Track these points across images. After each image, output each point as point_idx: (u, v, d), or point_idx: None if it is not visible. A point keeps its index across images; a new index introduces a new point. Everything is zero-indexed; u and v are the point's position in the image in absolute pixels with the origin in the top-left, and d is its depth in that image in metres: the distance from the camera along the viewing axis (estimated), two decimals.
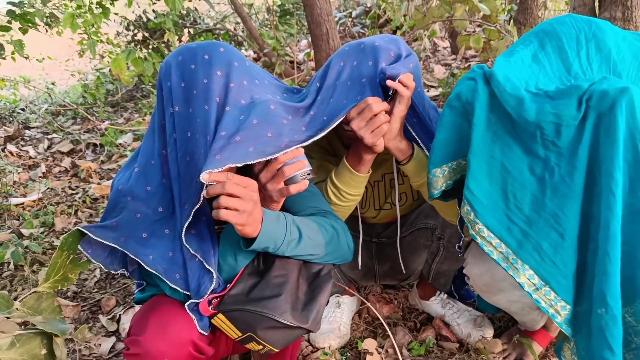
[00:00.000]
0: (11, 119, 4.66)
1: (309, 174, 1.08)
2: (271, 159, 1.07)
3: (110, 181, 3.12)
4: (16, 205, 2.97)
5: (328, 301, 1.59)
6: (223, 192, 0.99)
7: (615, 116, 0.92)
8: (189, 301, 1.11)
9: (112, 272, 1.23)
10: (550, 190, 1.01)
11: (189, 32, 5.01)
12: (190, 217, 1.07)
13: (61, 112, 4.80)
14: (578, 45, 1.06)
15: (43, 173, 3.52)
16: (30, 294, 1.20)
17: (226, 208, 0.99)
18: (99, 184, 3.24)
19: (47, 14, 3.84)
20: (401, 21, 4.14)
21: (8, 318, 1.14)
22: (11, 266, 2.33)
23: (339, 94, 1.24)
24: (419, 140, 1.31)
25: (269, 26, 5.31)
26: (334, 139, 1.53)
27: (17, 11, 3.35)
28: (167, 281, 1.12)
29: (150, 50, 4.39)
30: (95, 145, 3.95)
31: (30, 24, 3.39)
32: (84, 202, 2.98)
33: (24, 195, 3.14)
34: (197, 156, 1.08)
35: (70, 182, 3.34)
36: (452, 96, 1.11)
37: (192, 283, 1.11)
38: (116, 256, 1.21)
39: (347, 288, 1.72)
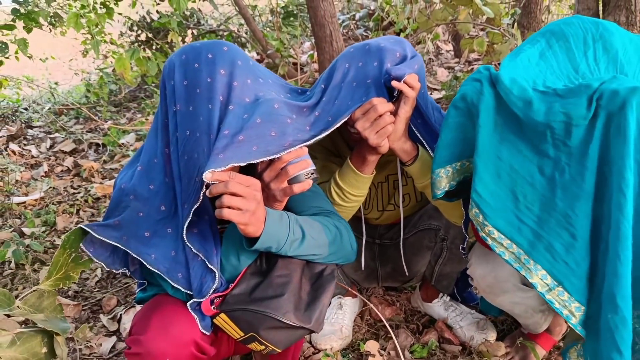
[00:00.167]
0: (14, 118, 4.66)
1: (312, 174, 1.08)
2: (275, 158, 1.06)
3: (113, 181, 3.12)
4: (18, 204, 2.97)
5: (330, 302, 1.58)
6: (226, 191, 0.98)
7: (625, 116, 0.91)
8: (191, 301, 1.10)
9: (114, 271, 1.23)
10: (561, 190, 1.01)
11: (192, 33, 5.01)
12: (190, 216, 1.06)
13: (64, 112, 4.81)
14: (585, 46, 1.06)
15: (45, 172, 3.52)
16: (31, 292, 1.20)
17: (229, 207, 0.98)
18: (101, 183, 3.24)
19: (51, 14, 3.85)
20: (404, 24, 4.13)
21: (9, 316, 1.13)
22: (12, 265, 2.33)
23: (344, 95, 1.23)
24: (423, 141, 1.31)
25: (272, 28, 5.31)
26: (338, 139, 1.52)
27: (22, 10, 3.35)
28: (169, 281, 1.11)
29: (154, 50, 4.40)
30: (97, 145, 3.95)
31: (34, 23, 3.39)
32: (86, 201, 2.98)
33: (26, 194, 3.14)
34: (198, 155, 1.08)
35: (72, 181, 3.34)
36: (458, 97, 1.10)
37: (195, 282, 1.10)
38: (118, 255, 1.21)
39: (349, 289, 1.72)
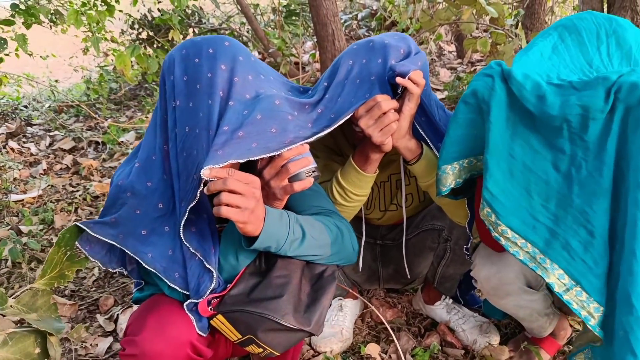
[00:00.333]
0: (14, 115, 4.65)
1: (314, 172, 1.05)
2: (275, 156, 1.04)
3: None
4: (16, 201, 2.94)
5: (330, 304, 1.56)
6: (224, 189, 0.95)
7: None
8: (188, 301, 1.08)
9: (110, 270, 1.20)
10: (578, 187, 0.98)
11: (193, 31, 5.00)
12: (186, 214, 1.04)
13: (64, 110, 4.79)
14: (598, 41, 1.03)
15: (44, 170, 3.50)
16: (25, 290, 1.17)
17: (227, 205, 0.95)
18: (100, 181, 3.22)
19: (52, 11, 3.83)
20: (407, 24, 4.11)
21: (4, 316, 1.11)
22: (9, 263, 2.31)
23: (348, 92, 1.21)
24: (427, 140, 1.28)
25: (274, 27, 5.30)
26: (340, 137, 1.50)
27: (21, 6, 3.33)
28: (165, 280, 1.09)
29: (155, 48, 4.38)
30: (97, 143, 3.93)
31: (34, 19, 3.37)
32: (85, 199, 2.96)
33: (24, 192, 3.11)
34: (197, 152, 1.06)
35: (71, 179, 3.32)
36: (468, 92, 1.07)
37: (192, 282, 1.08)
38: (115, 254, 1.19)
39: (350, 290, 1.69)
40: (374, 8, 5.33)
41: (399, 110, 1.20)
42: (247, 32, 5.15)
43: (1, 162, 3.50)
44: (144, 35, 4.94)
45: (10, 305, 1.13)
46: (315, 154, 1.39)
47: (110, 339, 1.80)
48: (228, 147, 1.01)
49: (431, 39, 4.05)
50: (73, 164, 3.58)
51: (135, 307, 1.71)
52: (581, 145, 0.96)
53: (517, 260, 1.32)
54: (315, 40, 3.53)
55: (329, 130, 1.13)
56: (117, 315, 1.92)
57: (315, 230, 1.13)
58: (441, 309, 1.76)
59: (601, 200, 0.97)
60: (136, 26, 4.94)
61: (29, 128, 4.38)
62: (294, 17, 5.17)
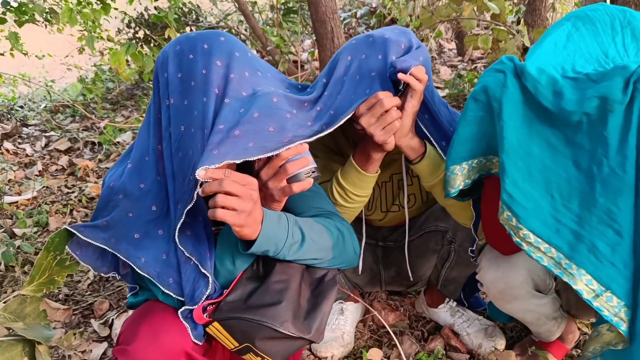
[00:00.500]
0: (9, 116, 4.61)
1: (313, 172, 1.01)
2: (273, 155, 1.00)
3: None
4: (10, 203, 2.90)
5: (331, 309, 1.52)
6: (220, 190, 0.91)
7: None
8: (183, 308, 1.04)
9: (103, 275, 1.16)
10: (600, 185, 0.92)
11: (190, 29, 4.96)
12: (183, 217, 0.99)
13: (60, 110, 4.75)
14: (613, 31, 0.99)
15: (39, 171, 3.45)
16: (12, 297, 1.13)
17: (223, 208, 0.91)
18: (96, 182, 3.17)
19: (47, 10, 3.79)
20: (407, 21, 4.07)
21: None
22: (2, 267, 2.26)
23: (347, 89, 1.17)
24: (431, 138, 1.24)
25: (272, 25, 5.25)
26: (340, 137, 1.45)
27: (14, 3, 3.29)
28: (159, 285, 1.05)
29: (151, 46, 4.34)
30: (93, 143, 3.89)
31: (26, 16, 3.32)
32: (80, 201, 2.91)
33: (19, 194, 3.07)
34: (193, 152, 1.01)
35: (66, 180, 3.27)
36: (478, 89, 1.02)
37: (187, 288, 1.04)
38: (107, 258, 1.14)
39: (351, 294, 1.65)
40: (373, 5, 5.29)
41: (401, 108, 1.15)
42: (245, 30, 5.12)
43: None
44: (140, 34, 4.90)
45: None
46: (315, 154, 1.34)
47: (105, 344, 1.75)
48: (224, 147, 0.97)
49: (431, 36, 4.01)
50: (69, 164, 3.53)
51: (130, 312, 1.67)
52: (601, 141, 0.91)
53: (524, 263, 1.28)
54: (314, 38, 3.49)
55: (329, 130, 1.09)
56: (112, 320, 1.87)
57: (315, 232, 1.09)
58: (445, 312, 1.71)
59: (626, 197, 0.91)
60: (132, 25, 4.90)
61: (24, 129, 4.33)
62: (292, 15, 5.13)
